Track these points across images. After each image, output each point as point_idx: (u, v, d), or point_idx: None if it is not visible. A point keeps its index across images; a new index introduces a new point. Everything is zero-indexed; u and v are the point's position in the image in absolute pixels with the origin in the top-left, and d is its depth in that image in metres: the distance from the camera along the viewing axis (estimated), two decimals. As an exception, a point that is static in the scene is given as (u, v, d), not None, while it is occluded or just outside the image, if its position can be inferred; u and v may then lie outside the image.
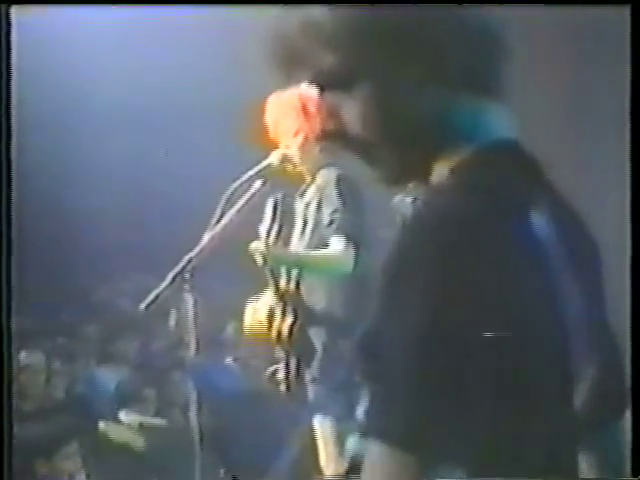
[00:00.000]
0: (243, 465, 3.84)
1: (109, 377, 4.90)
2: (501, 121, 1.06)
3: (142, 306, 3.07)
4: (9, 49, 2.19)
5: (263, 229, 2.93)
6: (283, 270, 3.10)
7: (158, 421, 4.44)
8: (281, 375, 3.08)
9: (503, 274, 0.94)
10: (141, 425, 4.33)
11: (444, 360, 0.92)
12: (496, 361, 0.93)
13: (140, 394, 4.84)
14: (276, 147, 3.21)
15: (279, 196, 2.96)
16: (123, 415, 4.42)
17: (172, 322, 5.66)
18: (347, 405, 3.07)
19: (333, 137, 1.10)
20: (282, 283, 3.07)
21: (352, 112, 1.06)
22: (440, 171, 1.05)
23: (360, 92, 1.05)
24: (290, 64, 1.09)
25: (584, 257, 1.02)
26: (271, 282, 3.03)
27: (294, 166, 3.18)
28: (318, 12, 1.05)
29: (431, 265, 0.94)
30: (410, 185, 1.10)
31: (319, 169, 3.18)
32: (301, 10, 1.06)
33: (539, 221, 0.96)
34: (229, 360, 5.55)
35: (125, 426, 4.30)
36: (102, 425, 4.20)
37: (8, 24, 2.18)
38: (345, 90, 1.06)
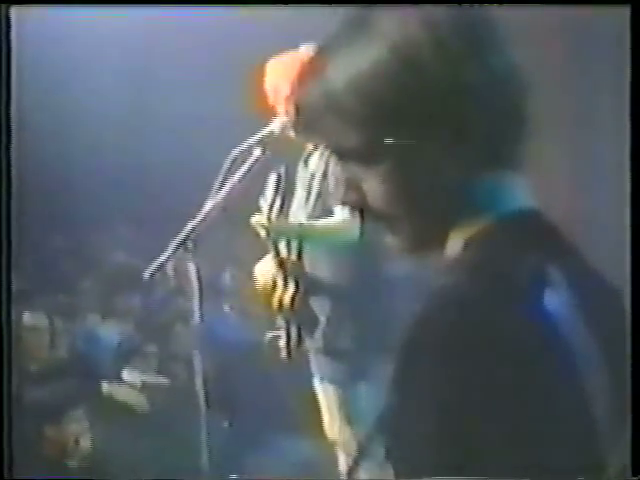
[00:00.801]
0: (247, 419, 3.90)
1: (111, 333, 4.93)
2: (519, 190, 1.06)
3: (146, 274, 3.08)
4: (9, 49, 2.18)
5: (265, 202, 2.91)
6: (284, 241, 3.09)
7: (160, 379, 4.48)
8: (282, 343, 3.10)
9: (519, 355, 0.95)
10: (144, 384, 4.37)
11: (462, 440, 0.93)
12: (514, 441, 0.94)
13: (142, 350, 4.88)
14: (276, 114, 3.18)
15: (282, 170, 2.94)
16: (125, 374, 4.46)
17: (170, 271, 5.70)
18: (350, 373, 3.12)
19: (355, 206, 1.11)
20: (284, 253, 3.07)
21: (373, 185, 1.06)
22: (455, 243, 1.06)
23: (381, 167, 1.05)
24: (310, 133, 1.09)
25: (608, 329, 1.02)
26: (273, 253, 3.03)
27: (296, 133, 3.15)
28: (339, 87, 1.04)
29: (444, 346, 0.95)
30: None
31: (321, 137, 3.15)
32: (323, 83, 1.05)
33: (556, 299, 0.97)
34: (226, 308, 5.58)
35: (128, 386, 4.34)
36: (106, 386, 4.23)
37: (8, 24, 2.16)
38: (366, 164, 1.06)
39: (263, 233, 2.94)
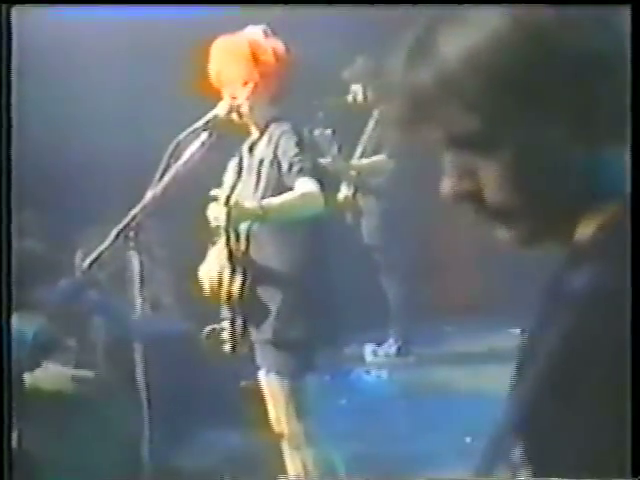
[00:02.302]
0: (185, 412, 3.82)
1: (24, 326, 4.76)
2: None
3: (85, 264, 2.96)
4: (9, 49, 2.09)
5: (225, 188, 2.81)
6: (232, 230, 3.00)
7: (84, 372, 4.34)
8: (226, 335, 3.01)
9: None
10: (70, 377, 4.23)
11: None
12: None
13: (60, 343, 4.72)
14: (218, 97, 3.09)
15: (244, 153, 2.85)
16: (50, 367, 4.31)
17: (78, 260, 5.55)
18: (298, 365, 3.06)
19: (467, 198, 1.01)
20: (232, 242, 2.98)
21: (490, 174, 0.97)
22: (585, 230, 0.99)
23: (500, 155, 0.96)
24: (421, 122, 0.98)
25: None
26: (224, 242, 2.94)
27: (240, 117, 3.06)
28: (453, 64, 0.95)
29: (610, 353, 0.88)
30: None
31: (268, 122, 3.07)
32: (435, 64, 0.96)
33: None
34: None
35: (53, 376, 4.20)
36: (28, 378, 4.08)
37: (8, 24, 2.08)
38: (483, 152, 0.97)
39: (221, 221, 2.83)
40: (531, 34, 0.93)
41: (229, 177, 2.89)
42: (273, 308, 2.98)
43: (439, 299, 5.83)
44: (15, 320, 4.54)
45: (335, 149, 5.25)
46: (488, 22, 0.95)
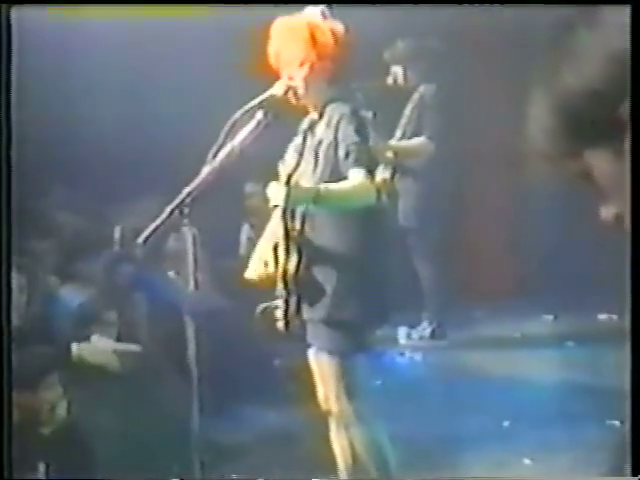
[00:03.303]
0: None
1: (71, 297, 4.81)
2: None
3: (139, 240, 2.99)
4: (9, 49, 2.11)
5: (285, 167, 2.83)
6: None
7: (131, 346, 4.40)
8: (280, 313, 3.04)
9: None
10: (114, 351, 4.28)
11: None
12: None
13: (103, 316, 4.77)
14: (277, 77, 3.10)
15: (307, 134, 2.87)
16: (95, 339, 4.36)
17: (117, 235, 5.59)
18: (350, 344, 3.09)
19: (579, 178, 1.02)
20: (288, 222, 3.00)
21: (600, 159, 0.98)
22: None
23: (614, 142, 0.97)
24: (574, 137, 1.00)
25: None
26: (282, 222, 2.96)
27: (297, 98, 3.08)
28: (599, 81, 0.96)
29: None
30: None
31: (326, 103, 3.08)
32: (585, 79, 0.97)
33: None
34: (171, 273, 5.49)
35: (99, 349, 4.25)
36: (76, 350, 4.13)
37: (8, 24, 2.10)
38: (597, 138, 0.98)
39: (280, 200, 2.85)
40: None
41: (291, 156, 2.90)
42: (328, 288, 3.01)
43: (473, 283, 5.84)
44: (62, 292, 4.63)
45: (374, 131, 5.26)
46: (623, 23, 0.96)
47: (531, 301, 5.91)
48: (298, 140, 2.96)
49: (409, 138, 5.56)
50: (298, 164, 2.80)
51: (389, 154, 5.56)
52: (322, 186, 2.91)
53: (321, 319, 3.02)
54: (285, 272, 2.97)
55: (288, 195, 2.81)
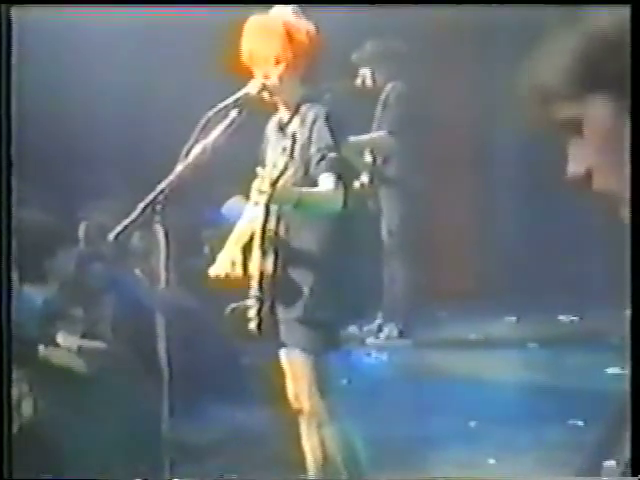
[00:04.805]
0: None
1: (34, 296, 4.76)
2: None
3: (110, 236, 2.97)
4: (9, 49, 2.10)
5: (272, 168, 2.81)
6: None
7: (97, 343, 4.36)
8: (252, 313, 3.03)
9: None
10: (80, 348, 4.24)
11: None
12: None
13: (68, 313, 4.72)
14: (250, 76, 3.10)
15: (296, 135, 2.86)
16: (60, 338, 4.31)
17: (81, 232, 5.53)
18: (325, 342, 3.10)
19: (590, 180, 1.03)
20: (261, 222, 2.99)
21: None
22: None
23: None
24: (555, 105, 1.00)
25: None
26: (261, 221, 2.95)
27: (271, 96, 3.08)
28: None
29: None
30: None
31: (300, 102, 3.09)
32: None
33: None
34: (137, 271, 5.46)
35: (66, 347, 4.21)
36: (42, 350, 4.09)
37: (8, 24, 2.08)
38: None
39: (263, 199, 2.84)
40: None
41: (276, 156, 2.87)
42: (305, 288, 3.02)
43: (437, 284, 5.87)
44: (25, 291, 4.58)
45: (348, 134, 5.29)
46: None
47: (494, 303, 5.97)
48: (287, 142, 2.91)
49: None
50: (287, 166, 2.78)
51: (367, 159, 5.61)
52: (304, 189, 2.91)
53: (297, 318, 3.02)
54: (262, 272, 2.96)
55: (272, 195, 2.81)
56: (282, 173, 2.75)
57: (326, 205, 2.96)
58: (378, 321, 5.78)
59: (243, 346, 3.75)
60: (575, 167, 1.03)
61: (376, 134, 5.58)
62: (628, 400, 1.03)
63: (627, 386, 1.06)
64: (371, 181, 5.64)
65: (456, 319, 6.01)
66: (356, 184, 5.50)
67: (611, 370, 4.65)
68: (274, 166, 2.80)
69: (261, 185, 2.79)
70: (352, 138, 5.50)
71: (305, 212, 2.96)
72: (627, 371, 1.02)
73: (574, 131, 1.03)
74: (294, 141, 2.79)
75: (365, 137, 5.56)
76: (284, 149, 2.78)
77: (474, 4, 3.64)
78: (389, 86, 5.64)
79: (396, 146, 5.54)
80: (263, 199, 2.83)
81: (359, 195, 5.36)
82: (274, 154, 3.10)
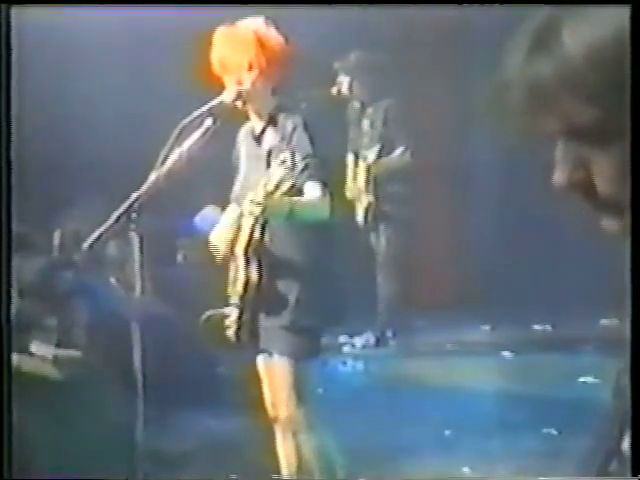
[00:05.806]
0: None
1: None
2: None
3: (85, 245, 2.96)
4: (9, 49, 2.09)
5: (269, 180, 2.79)
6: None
7: (72, 352, 4.33)
8: (231, 321, 3.02)
9: None
10: (55, 357, 4.21)
11: None
12: None
13: (42, 322, 4.69)
14: (221, 85, 3.09)
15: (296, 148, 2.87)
16: (34, 347, 4.28)
17: (56, 239, 5.49)
18: (309, 349, 3.10)
19: (578, 188, 1.03)
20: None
21: (603, 167, 1.00)
22: None
23: (615, 145, 0.98)
24: (540, 113, 1.00)
25: None
26: (246, 232, 2.94)
27: (244, 104, 3.08)
28: (577, 63, 0.97)
29: None
30: None
31: (274, 112, 3.08)
32: (556, 57, 0.98)
33: None
34: (112, 280, 5.44)
35: (39, 356, 4.17)
36: (15, 355, 4.05)
37: (8, 24, 2.08)
38: (599, 145, 0.99)
39: (257, 211, 2.84)
40: None
41: (280, 169, 2.83)
42: (290, 297, 3.02)
43: (414, 293, 5.89)
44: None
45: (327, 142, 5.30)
46: (613, 18, 0.98)
47: (469, 311, 5.99)
48: (284, 156, 2.88)
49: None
50: (284, 178, 2.76)
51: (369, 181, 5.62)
52: (294, 199, 2.90)
53: (282, 326, 3.02)
54: (246, 281, 2.96)
55: (266, 207, 2.81)
56: (278, 186, 2.74)
57: (315, 213, 2.96)
58: (354, 330, 5.79)
59: (219, 354, 3.73)
60: (559, 178, 1.04)
61: (397, 152, 5.59)
62: (610, 408, 1.03)
63: (602, 394, 1.06)
64: (377, 199, 5.66)
65: (432, 328, 6.02)
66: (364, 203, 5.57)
67: (584, 379, 4.69)
68: (269, 178, 2.78)
69: (255, 196, 2.79)
70: (384, 159, 5.54)
71: (295, 222, 2.96)
72: (599, 380, 1.02)
73: (560, 139, 1.03)
74: (293, 155, 2.77)
75: (385, 159, 5.59)
76: (283, 161, 2.76)
77: (473, 4, 3.66)
78: (383, 103, 5.63)
79: (412, 163, 5.57)
80: (257, 210, 2.83)
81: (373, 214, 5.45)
82: (249, 163, 3.09)
